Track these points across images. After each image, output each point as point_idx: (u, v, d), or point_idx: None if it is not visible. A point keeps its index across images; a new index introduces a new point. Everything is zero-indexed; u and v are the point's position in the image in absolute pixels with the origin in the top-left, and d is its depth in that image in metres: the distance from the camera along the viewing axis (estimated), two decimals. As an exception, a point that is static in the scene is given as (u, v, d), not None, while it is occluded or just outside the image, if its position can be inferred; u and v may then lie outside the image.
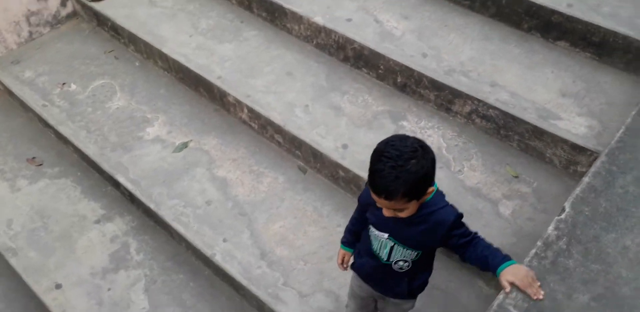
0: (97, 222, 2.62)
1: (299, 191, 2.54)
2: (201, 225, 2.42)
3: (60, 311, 2.30)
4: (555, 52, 2.61)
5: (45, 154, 2.99)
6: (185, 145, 2.82)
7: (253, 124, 2.84)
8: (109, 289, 2.35)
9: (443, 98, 2.57)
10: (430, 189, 1.34)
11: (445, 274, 2.07)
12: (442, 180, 2.26)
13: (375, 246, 1.54)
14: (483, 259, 1.38)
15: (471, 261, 1.43)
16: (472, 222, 2.08)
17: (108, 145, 2.82)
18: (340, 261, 1.80)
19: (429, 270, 1.66)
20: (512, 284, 1.33)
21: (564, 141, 2.15)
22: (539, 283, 1.34)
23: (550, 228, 1.41)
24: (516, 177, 2.21)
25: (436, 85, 2.55)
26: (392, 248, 1.49)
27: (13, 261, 2.49)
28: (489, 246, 1.42)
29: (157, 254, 2.48)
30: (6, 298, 2.48)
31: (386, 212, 1.36)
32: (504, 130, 2.38)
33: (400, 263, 1.52)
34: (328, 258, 2.23)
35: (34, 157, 2.96)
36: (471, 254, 1.41)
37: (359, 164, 2.40)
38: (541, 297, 1.31)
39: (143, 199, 2.56)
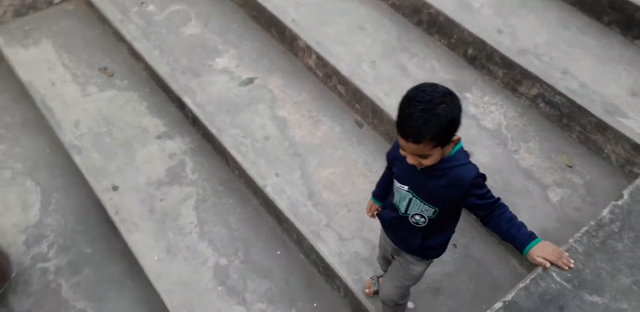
0: (159, 137, 2.73)
1: (353, 144, 2.61)
2: (257, 157, 2.52)
3: (114, 210, 2.45)
4: (632, 50, 2.57)
5: (117, 66, 3.06)
6: (251, 80, 2.89)
7: (318, 72, 2.88)
8: (161, 200, 2.49)
9: (511, 77, 2.57)
10: (456, 137, 1.35)
11: (483, 247, 2.13)
12: (498, 156, 2.31)
13: (397, 198, 1.58)
14: (508, 235, 1.40)
15: (495, 231, 1.43)
16: (520, 202, 2.16)
17: (178, 67, 2.90)
18: (368, 210, 1.87)
19: (446, 234, 1.65)
20: (544, 260, 1.36)
21: (627, 139, 2.17)
22: (567, 254, 1.38)
23: (606, 211, 1.47)
24: (570, 167, 2.24)
25: (507, 63, 2.55)
26: (410, 201, 1.52)
27: (77, 159, 2.62)
28: (512, 219, 1.42)
29: (211, 177, 2.59)
30: (66, 192, 2.66)
31: (410, 159, 1.36)
32: (566, 119, 2.41)
33: (417, 217, 1.54)
34: None
35: (105, 68, 3.05)
36: (495, 225, 1.42)
37: None
38: (572, 266, 1.36)
39: (206, 123, 2.64)
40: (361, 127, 2.68)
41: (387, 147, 2.58)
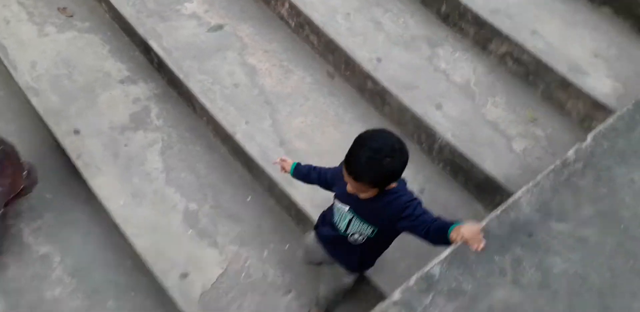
0: (122, 82, 2.63)
1: (324, 94, 2.62)
2: (226, 104, 2.48)
3: (76, 154, 2.36)
4: (597, 16, 2.68)
5: (77, 7, 2.89)
6: (220, 27, 2.81)
7: (290, 21, 2.84)
8: (125, 145, 2.42)
9: (482, 35, 2.63)
10: (392, 185, 1.46)
11: (449, 193, 2.24)
12: (466, 110, 2.38)
13: (337, 217, 1.65)
14: (439, 226, 1.41)
15: (430, 235, 1.43)
16: (485, 151, 2.25)
17: (145, 10, 2.77)
18: (280, 160, 1.93)
19: (383, 250, 1.78)
20: (460, 236, 1.34)
21: (587, 96, 2.28)
22: (482, 234, 1.35)
23: (570, 152, 1.56)
24: (534, 120, 2.37)
25: (479, 22, 2.60)
26: (350, 220, 1.60)
27: (34, 101, 2.49)
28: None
29: (177, 123, 2.53)
30: (20, 137, 2.54)
31: (349, 188, 1.47)
32: (532, 77, 2.50)
33: (356, 236, 1.62)
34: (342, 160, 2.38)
35: (65, 8, 2.87)
36: (426, 230, 1.43)
37: (390, 80, 2.48)
38: (480, 249, 1.33)
39: (173, 68, 2.56)
40: (333, 78, 2.69)
41: (358, 99, 2.63)
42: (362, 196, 1.47)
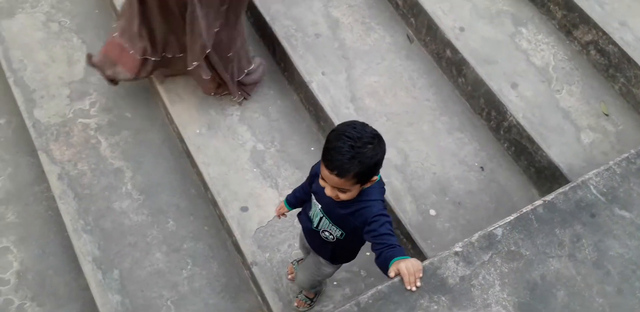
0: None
1: (401, 57, 2.71)
2: (306, 52, 2.58)
3: (160, 79, 2.58)
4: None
5: None
6: (309, -25, 2.90)
7: (379, -21, 2.91)
8: (204, 79, 2.60)
9: (570, 20, 2.66)
10: (374, 178, 1.41)
11: (508, 174, 2.34)
12: (541, 93, 2.45)
13: (312, 212, 1.65)
14: (388, 255, 1.38)
15: (379, 258, 1.41)
16: (553, 137, 2.33)
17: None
18: (277, 210, 1.89)
19: (356, 247, 1.76)
20: (397, 272, 1.34)
21: (667, 96, 2.37)
22: (421, 275, 1.36)
23: None
24: (607, 115, 2.43)
25: (569, 5, 2.61)
26: (321, 219, 1.60)
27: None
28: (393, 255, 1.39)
29: (255, 65, 2.71)
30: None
31: (328, 191, 1.41)
32: (613, 70, 2.55)
33: (326, 233, 1.62)
34: (409, 124, 2.45)
35: None
36: (380, 252, 1.40)
37: (470, 51, 2.54)
38: (414, 289, 1.35)
39: (261, 10, 2.65)
40: (412, 42, 2.77)
41: (434, 67, 2.71)
42: (344, 197, 1.41)
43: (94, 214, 2.31)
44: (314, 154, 2.49)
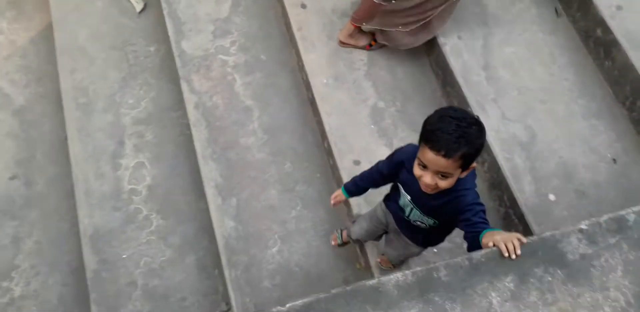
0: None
1: (544, 31, 2.57)
2: (447, 16, 2.59)
3: (298, 26, 2.56)
4: None
5: None
6: None
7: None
8: (340, 30, 2.63)
9: None
10: (474, 164, 1.38)
11: None
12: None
13: (402, 201, 1.62)
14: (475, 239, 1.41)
15: (471, 247, 1.44)
16: None
17: None
18: (333, 198, 1.88)
19: (447, 233, 1.75)
20: (494, 242, 1.34)
21: None
22: (524, 240, 1.36)
23: None
24: None
25: None
26: (411, 210, 1.59)
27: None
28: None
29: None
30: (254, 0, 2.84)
31: (428, 179, 1.36)
32: None
33: (418, 223, 1.62)
34: (542, 101, 2.35)
35: None
36: (471, 238, 1.43)
37: (624, 32, 2.36)
38: (513, 256, 1.32)
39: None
40: (559, 16, 2.63)
41: (580, 46, 2.57)
42: (443, 184, 1.37)
43: (221, 145, 2.49)
44: (434, 119, 2.50)
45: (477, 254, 1.38)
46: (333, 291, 1.31)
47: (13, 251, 2.45)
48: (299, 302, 1.28)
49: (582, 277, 1.36)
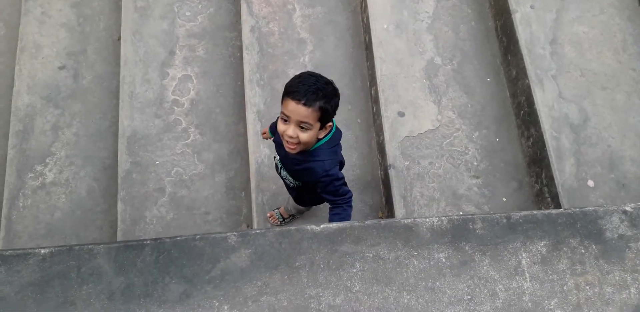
0: None
1: (622, 16, 2.40)
2: (526, -18, 2.42)
3: None
4: None
5: None
6: None
7: None
8: None
9: None
10: (330, 124, 1.46)
11: None
12: None
13: (277, 159, 1.75)
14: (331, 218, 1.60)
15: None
16: None
17: None
18: (262, 134, 2.00)
19: (316, 199, 1.84)
20: None
21: None
22: None
23: None
24: None
25: None
26: (281, 168, 1.71)
27: None
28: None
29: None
30: None
31: (290, 131, 1.40)
32: None
33: (287, 181, 1.74)
34: (602, 87, 2.24)
35: None
36: (330, 215, 1.62)
37: None
38: None
39: None
40: (641, 4, 2.46)
41: (655, 35, 2.41)
42: (303, 137, 1.42)
43: (269, 73, 2.42)
44: (487, 85, 2.40)
45: (516, 215, 1.33)
46: (367, 222, 1.28)
47: (52, 138, 2.44)
48: (333, 225, 1.25)
49: (615, 256, 1.31)
